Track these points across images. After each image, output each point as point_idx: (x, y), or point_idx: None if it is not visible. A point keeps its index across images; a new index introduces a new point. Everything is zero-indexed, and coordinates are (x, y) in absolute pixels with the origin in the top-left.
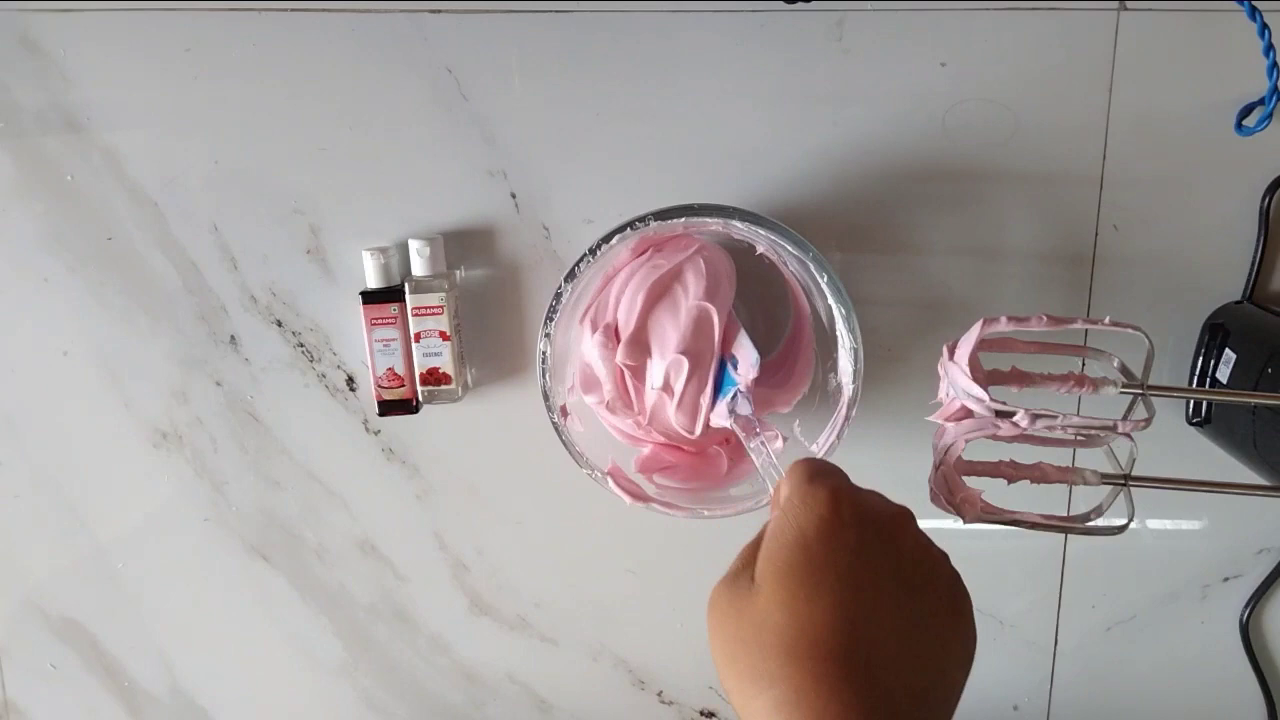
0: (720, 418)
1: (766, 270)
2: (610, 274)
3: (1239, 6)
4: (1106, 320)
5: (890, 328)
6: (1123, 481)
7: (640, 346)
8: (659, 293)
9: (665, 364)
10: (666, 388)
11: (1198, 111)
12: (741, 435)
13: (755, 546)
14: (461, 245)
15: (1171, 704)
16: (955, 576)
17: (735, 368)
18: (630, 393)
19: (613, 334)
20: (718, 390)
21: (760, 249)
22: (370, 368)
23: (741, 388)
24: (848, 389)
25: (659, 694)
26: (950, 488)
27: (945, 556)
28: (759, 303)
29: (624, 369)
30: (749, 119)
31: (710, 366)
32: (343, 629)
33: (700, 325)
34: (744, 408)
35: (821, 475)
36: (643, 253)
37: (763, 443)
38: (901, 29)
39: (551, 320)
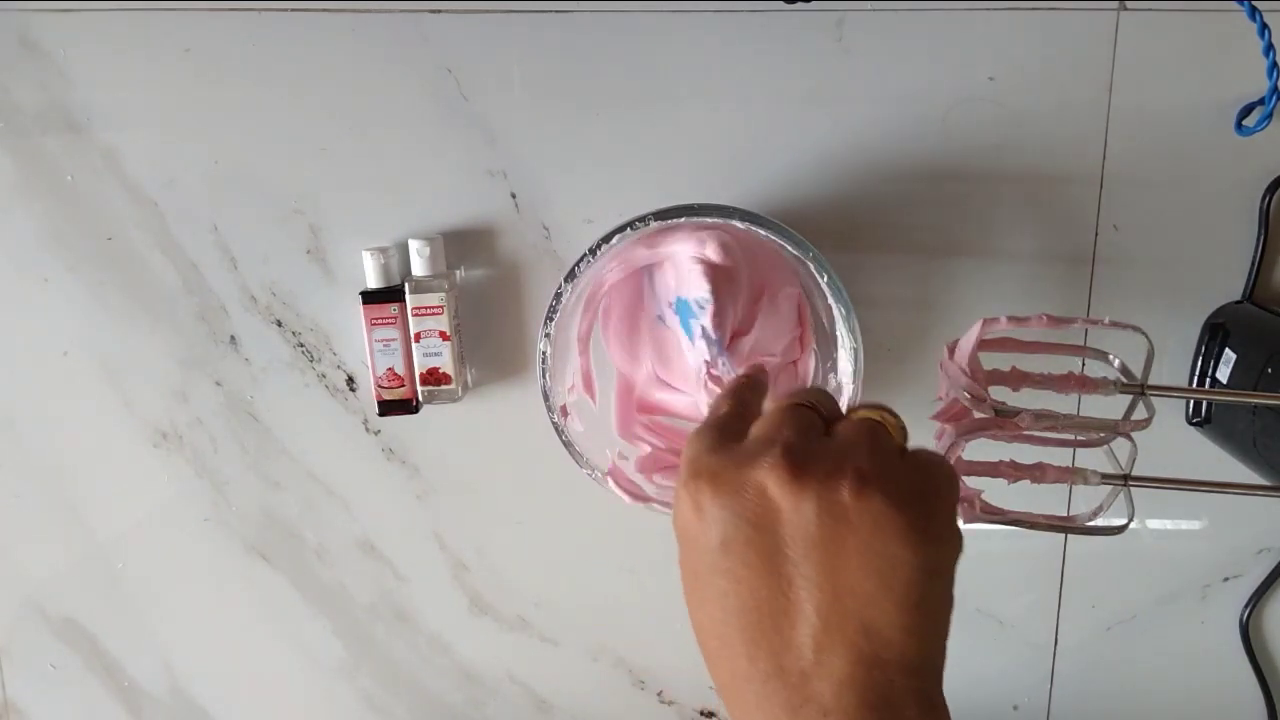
0: (698, 354)
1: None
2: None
3: (1239, 6)
4: (1106, 320)
5: (890, 328)
6: (1123, 481)
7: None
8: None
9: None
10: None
11: (1198, 111)
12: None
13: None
14: (461, 245)
15: (1171, 704)
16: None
17: (696, 307)
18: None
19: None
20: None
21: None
22: (370, 368)
23: (705, 322)
24: (848, 389)
25: (659, 694)
26: None
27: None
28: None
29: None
30: (749, 119)
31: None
32: (343, 629)
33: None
34: (711, 335)
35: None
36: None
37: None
38: (901, 29)
39: (551, 320)
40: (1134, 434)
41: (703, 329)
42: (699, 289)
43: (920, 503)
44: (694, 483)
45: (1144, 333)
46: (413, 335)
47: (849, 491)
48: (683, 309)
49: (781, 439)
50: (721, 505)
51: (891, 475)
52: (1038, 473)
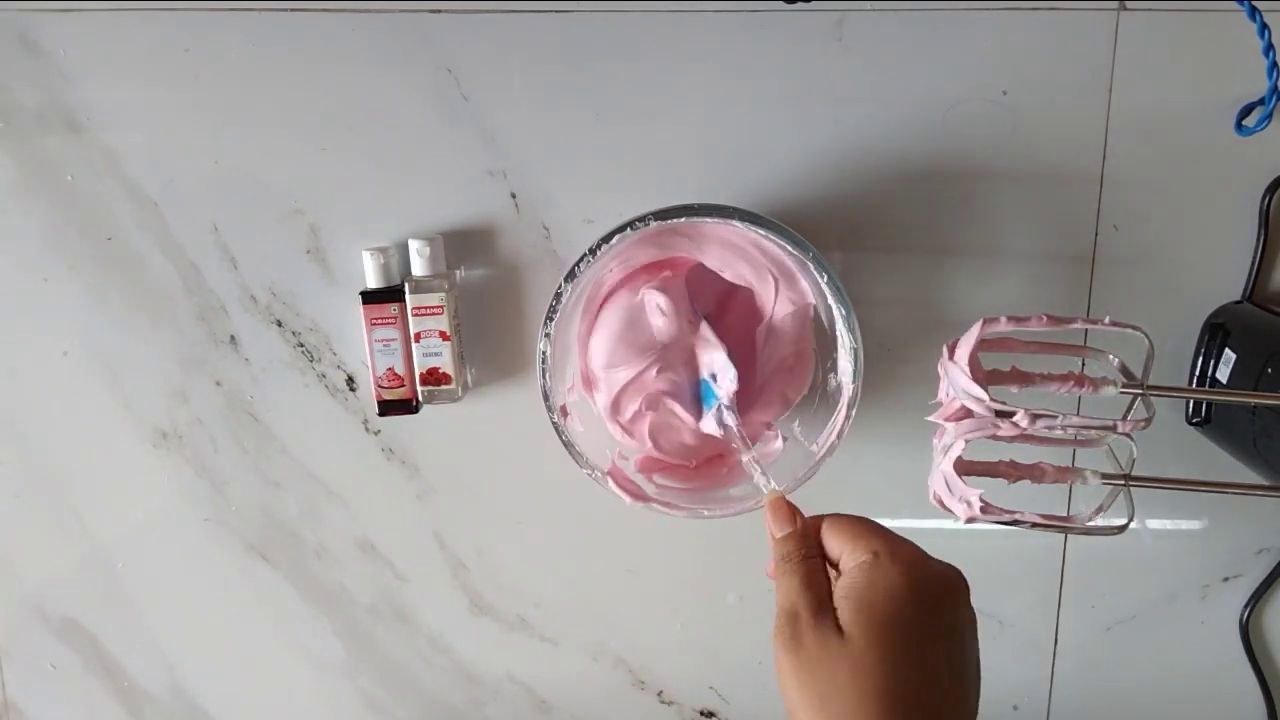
0: (710, 427)
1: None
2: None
3: (1239, 6)
4: (1106, 320)
5: (890, 328)
6: (1123, 481)
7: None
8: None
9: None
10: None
11: (1198, 111)
12: (736, 444)
13: (816, 583)
14: (461, 245)
15: (1171, 704)
16: (975, 629)
17: (715, 382)
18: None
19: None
20: (700, 404)
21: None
22: (370, 368)
23: (724, 401)
24: (848, 389)
25: (659, 694)
26: (950, 488)
27: (975, 618)
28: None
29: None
30: (749, 119)
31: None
32: (343, 629)
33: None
34: (729, 418)
35: (900, 540)
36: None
37: (755, 459)
38: (901, 29)
39: (551, 320)
40: (1134, 434)
41: (720, 407)
42: (725, 372)
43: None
44: (784, 646)
45: (1144, 333)
46: (413, 335)
47: (943, 644)
48: (705, 388)
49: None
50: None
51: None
52: (1037, 473)
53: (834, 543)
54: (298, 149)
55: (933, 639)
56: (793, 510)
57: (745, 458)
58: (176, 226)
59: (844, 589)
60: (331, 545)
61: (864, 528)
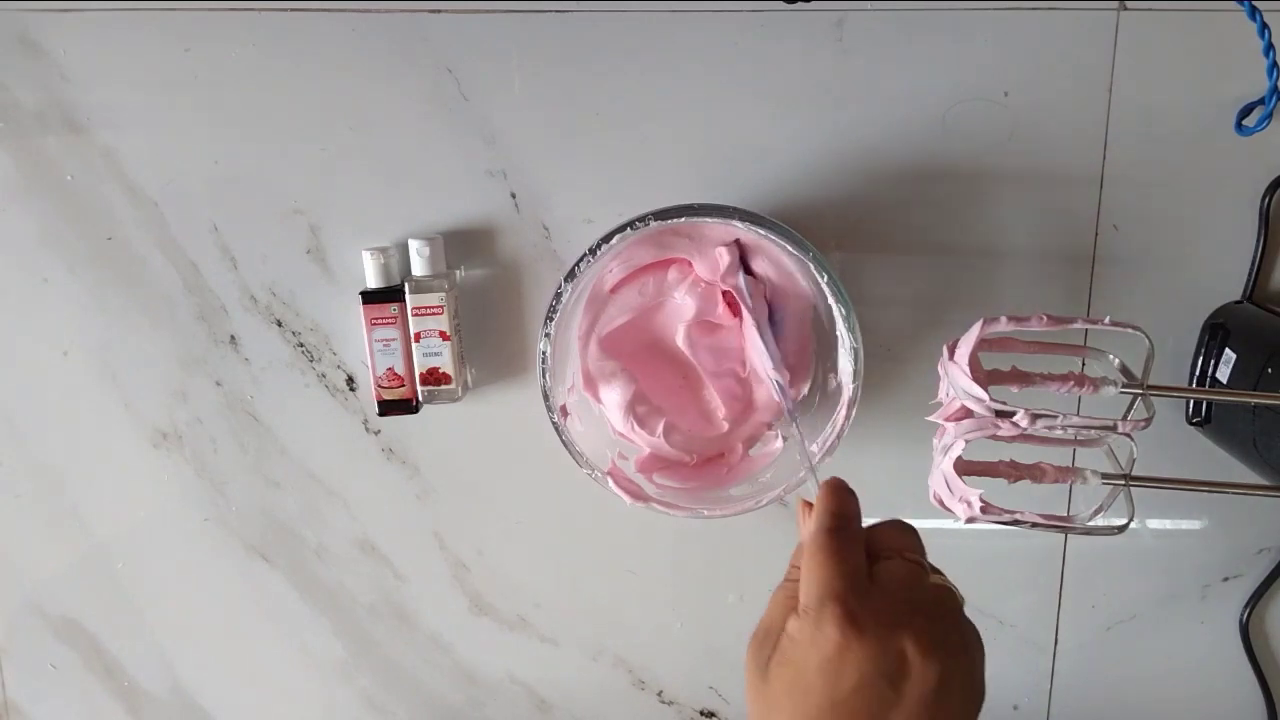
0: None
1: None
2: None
3: (1239, 6)
4: (1106, 320)
5: (890, 328)
6: (1123, 481)
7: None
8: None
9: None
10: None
11: (1198, 111)
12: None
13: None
14: (461, 245)
15: (1171, 704)
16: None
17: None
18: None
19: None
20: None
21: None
22: (370, 368)
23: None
24: (848, 389)
25: (659, 694)
26: (950, 488)
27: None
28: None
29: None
30: (749, 119)
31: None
32: (343, 629)
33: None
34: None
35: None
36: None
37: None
38: (901, 29)
39: (551, 320)
40: (1134, 434)
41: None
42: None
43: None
44: (841, 623)
45: (1144, 333)
46: (413, 335)
47: (964, 660)
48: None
49: (921, 609)
50: (867, 656)
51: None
52: (1037, 473)
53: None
54: (298, 149)
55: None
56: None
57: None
58: (176, 226)
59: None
60: (331, 545)
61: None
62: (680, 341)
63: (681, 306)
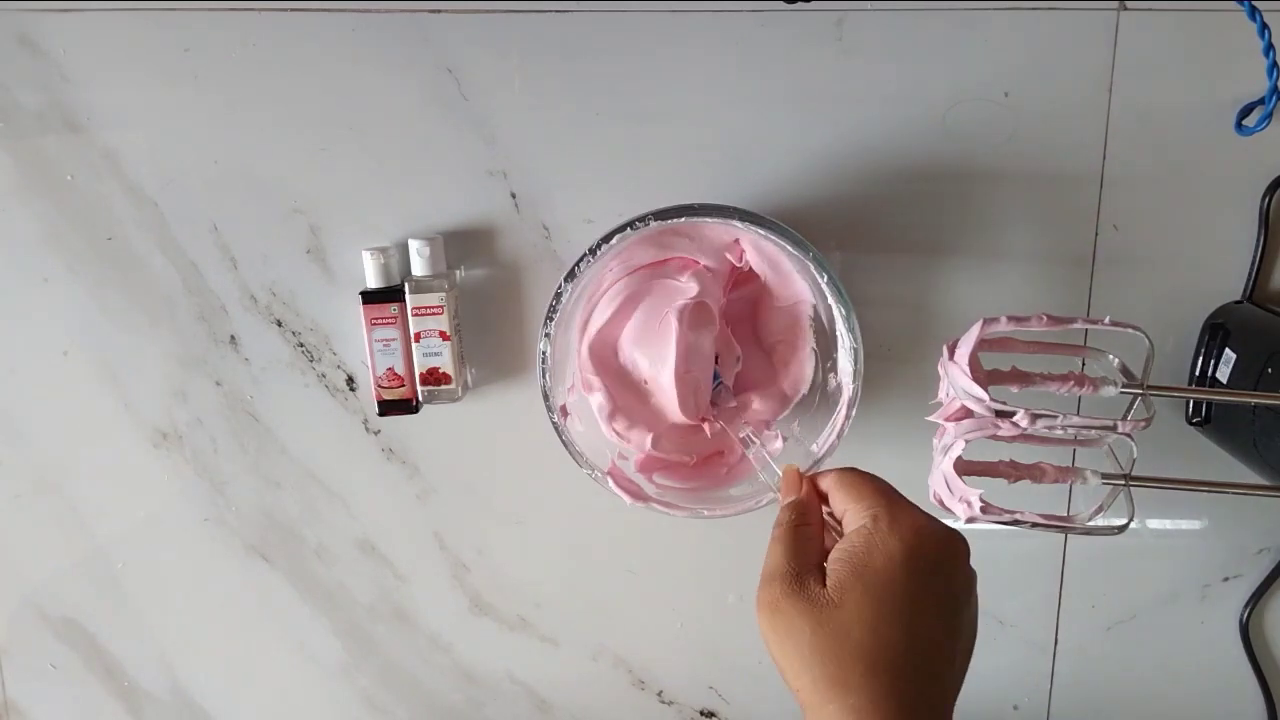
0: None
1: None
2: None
3: (1239, 6)
4: (1106, 320)
5: (890, 328)
6: (1123, 481)
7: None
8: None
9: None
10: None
11: (1198, 111)
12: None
13: (800, 550)
14: (461, 245)
15: (1171, 704)
16: (974, 587)
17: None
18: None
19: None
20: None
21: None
22: (370, 368)
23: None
24: (848, 389)
25: (659, 694)
26: (950, 488)
27: (974, 575)
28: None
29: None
30: (749, 119)
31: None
32: (343, 629)
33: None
34: (726, 397)
35: (902, 502)
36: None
37: (759, 444)
38: (901, 29)
39: (551, 320)
40: (1134, 434)
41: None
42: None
43: None
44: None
45: (1144, 333)
46: (413, 335)
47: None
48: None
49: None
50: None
51: None
52: (1037, 473)
53: (839, 499)
54: (298, 149)
55: (925, 604)
56: (800, 480)
57: (750, 453)
58: (176, 226)
59: (841, 552)
60: (331, 545)
61: (868, 487)
62: (673, 318)
63: (684, 288)
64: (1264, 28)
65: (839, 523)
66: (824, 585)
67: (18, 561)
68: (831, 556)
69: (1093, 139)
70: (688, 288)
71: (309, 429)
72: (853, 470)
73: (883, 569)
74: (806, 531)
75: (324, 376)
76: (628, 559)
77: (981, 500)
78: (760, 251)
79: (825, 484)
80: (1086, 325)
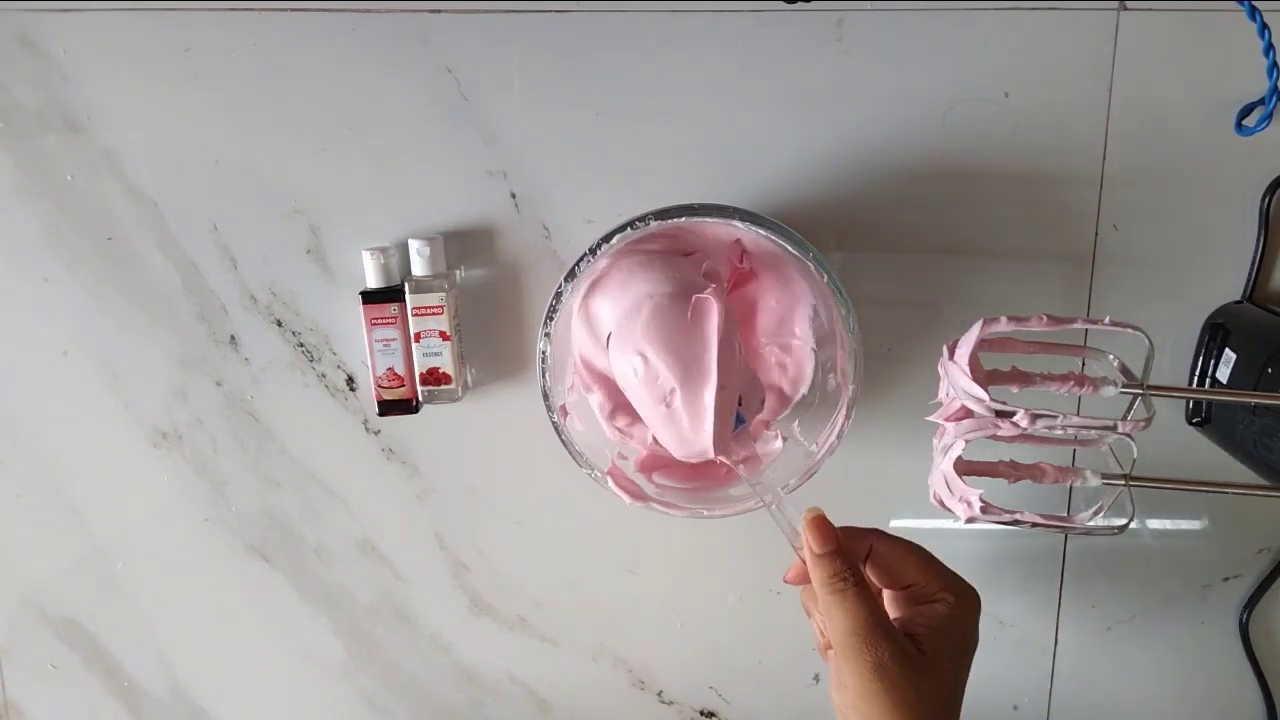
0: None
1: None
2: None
3: (1239, 6)
4: (1106, 320)
5: (890, 328)
6: (1123, 481)
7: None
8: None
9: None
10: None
11: (1198, 112)
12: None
13: (879, 608)
14: (461, 245)
15: (1171, 704)
16: None
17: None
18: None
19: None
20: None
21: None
22: (370, 368)
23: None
24: (848, 389)
25: (659, 694)
26: (950, 488)
27: None
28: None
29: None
30: (749, 119)
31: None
32: (343, 629)
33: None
34: (744, 442)
35: (958, 578)
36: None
37: (778, 494)
38: (901, 29)
39: (551, 320)
40: (1134, 434)
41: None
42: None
43: None
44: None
45: (1144, 333)
46: (413, 335)
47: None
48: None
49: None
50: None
51: None
52: (1037, 473)
53: (895, 563)
54: (298, 149)
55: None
56: (833, 530)
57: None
58: (176, 226)
59: (930, 621)
60: (331, 545)
61: (933, 566)
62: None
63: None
64: (1264, 28)
65: (880, 582)
66: (920, 651)
67: (18, 561)
68: (912, 621)
69: (1093, 139)
70: (700, 279)
71: (309, 429)
72: (902, 540)
73: (966, 637)
74: (866, 588)
75: (324, 376)
76: (628, 559)
77: (981, 500)
78: (760, 251)
79: (874, 544)
80: (1086, 325)
